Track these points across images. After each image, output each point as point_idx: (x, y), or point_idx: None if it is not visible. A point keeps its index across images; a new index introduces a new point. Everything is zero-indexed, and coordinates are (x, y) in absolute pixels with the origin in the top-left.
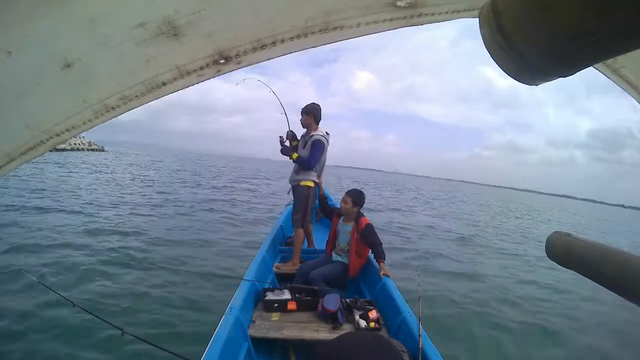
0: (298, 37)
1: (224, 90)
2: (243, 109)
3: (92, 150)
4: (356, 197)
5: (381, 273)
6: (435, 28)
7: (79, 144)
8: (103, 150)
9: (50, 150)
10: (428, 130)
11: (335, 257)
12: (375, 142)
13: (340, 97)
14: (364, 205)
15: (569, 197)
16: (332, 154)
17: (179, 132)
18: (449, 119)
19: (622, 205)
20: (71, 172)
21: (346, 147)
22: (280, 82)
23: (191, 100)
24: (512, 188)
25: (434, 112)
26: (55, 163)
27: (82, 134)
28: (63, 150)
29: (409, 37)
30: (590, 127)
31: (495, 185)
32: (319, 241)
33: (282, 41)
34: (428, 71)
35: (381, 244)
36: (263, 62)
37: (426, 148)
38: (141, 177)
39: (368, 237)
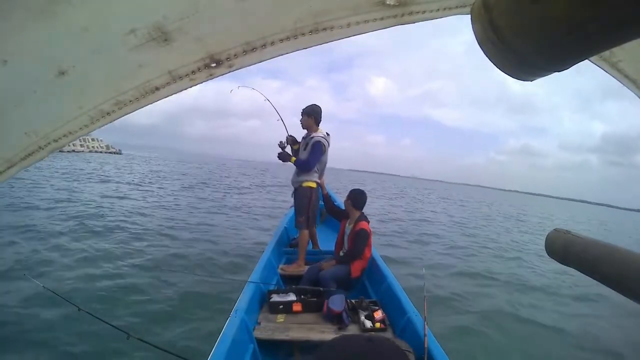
0: (288, 39)
1: (239, 94)
2: (258, 113)
3: (110, 153)
4: (354, 196)
5: (324, 264)
6: (451, 34)
7: (97, 147)
8: (120, 154)
9: (68, 151)
10: (444, 135)
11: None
12: (392, 147)
13: (357, 102)
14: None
15: (584, 201)
16: (348, 158)
17: (196, 137)
18: (465, 123)
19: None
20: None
21: (363, 151)
22: (296, 87)
23: (207, 105)
24: (529, 193)
25: (449, 116)
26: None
27: (100, 137)
28: (81, 152)
29: (426, 43)
30: (604, 131)
31: (512, 190)
32: (324, 242)
33: (272, 43)
34: (444, 76)
35: (358, 253)
36: (278, 67)
37: (442, 152)
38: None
39: (355, 239)
